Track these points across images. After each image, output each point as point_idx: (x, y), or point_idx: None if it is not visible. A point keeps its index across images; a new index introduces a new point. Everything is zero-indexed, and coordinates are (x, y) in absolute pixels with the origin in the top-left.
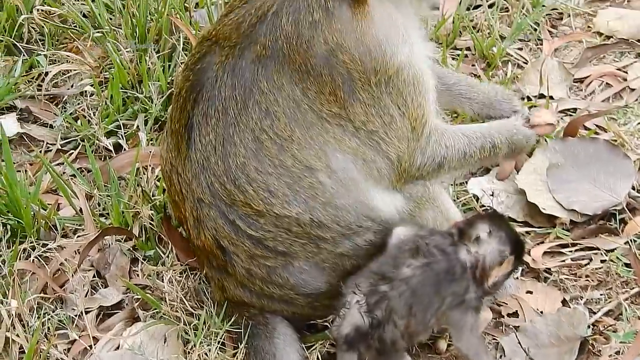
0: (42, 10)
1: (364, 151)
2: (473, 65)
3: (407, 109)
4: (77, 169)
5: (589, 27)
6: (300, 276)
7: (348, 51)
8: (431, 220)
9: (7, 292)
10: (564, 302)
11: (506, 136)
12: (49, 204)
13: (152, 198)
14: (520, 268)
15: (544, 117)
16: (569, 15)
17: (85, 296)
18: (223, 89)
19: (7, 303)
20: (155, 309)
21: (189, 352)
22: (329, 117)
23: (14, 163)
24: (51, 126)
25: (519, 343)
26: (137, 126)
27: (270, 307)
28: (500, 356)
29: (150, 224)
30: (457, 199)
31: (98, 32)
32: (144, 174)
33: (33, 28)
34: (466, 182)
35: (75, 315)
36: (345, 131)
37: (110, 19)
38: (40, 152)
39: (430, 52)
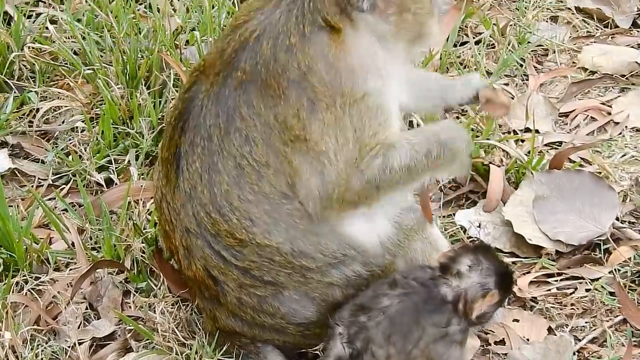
0: (32, 48)
1: (304, 172)
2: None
3: (362, 135)
4: (69, 203)
5: (573, 62)
6: (291, 305)
7: (318, 74)
8: (419, 252)
9: (1, 324)
10: (550, 330)
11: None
12: (41, 238)
13: (144, 231)
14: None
15: (499, 97)
16: (554, 52)
17: (78, 328)
18: (208, 116)
19: (0, 335)
20: (148, 339)
21: None
22: (290, 142)
23: (6, 198)
24: (42, 161)
25: None
26: (129, 161)
27: (262, 336)
28: None
29: (142, 256)
30: (445, 230)
31: (89, 69)
32: (135, 207)
33: (24, 65)
34: (454, 214)
35: (69, 347)
36: (297, 152)
37: (101, 56)
38: (32, 187)
39: (406, 98)
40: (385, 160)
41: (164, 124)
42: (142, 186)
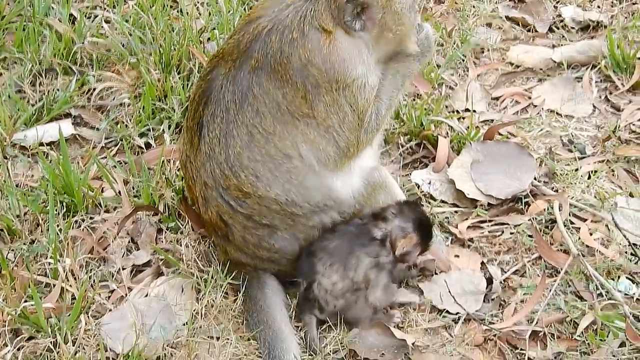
0: (91, 41)
1: (320, 141)
2: (415, 86)
3: (357, 107)
4: (117, 161)
5: (503, 58)
6: (283, 243)
7: (317, 66)
8: (381, 202)
9: (63, 253)
10: (482, 264)
11: (406, 77)
12: (95, 187)
13: (173, 183)
14: (432, 242)
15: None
16: (489, 50)
17: (122, 257)
18: (226, 94)
19: (62, 261)
20: (175, 266)
21: (200, 299)
22: (299, 117)
23: (70, 157)
24: (97, 129)
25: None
26: (163, 129)
27: (262, 266)
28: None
29: (172, 202)
30: (403, 185)
31: (134, 58)
32: (167, 165)
33: (84, 55)
34: (410, 174)
35: (115, 271)
36: (309, 126)
37: (143, 48)
38: (89, 148)
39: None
40: (376, 111)
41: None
42: (172, 149)
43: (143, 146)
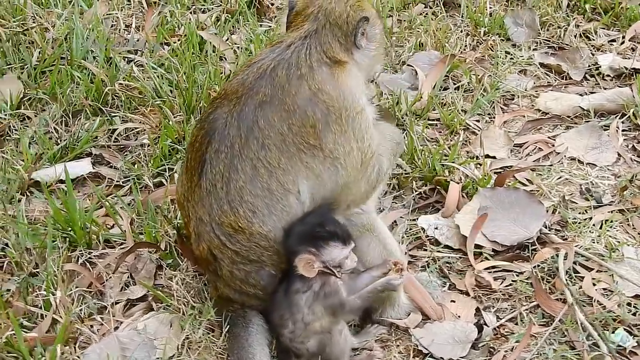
0: (122, 84)
1: (322, 174)
2: (440, 131)
3: (362, 144)
4: (132, 199)
5: (532, 105)
6: (269, 279)
7: (327, 93)
8: (369, 247)
9: (57, 285)
10: (478, 310)
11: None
12: (100, 224)
13: (173, 221)
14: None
15: None
16: (518, 97)
17: (120, 291)
18: (231, 130)
19: (54, 293)
20: (164, 302)
21: (186, 334)
22: (305, 149)
23: (85, 194)
24: (116, 168)
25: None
26: (176, 170)
27: (249, 302)
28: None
29: (172, 241)
30: (410, 229)
31: (158, 101)
32: (173, 205)
33: (115, 97)
34: (417, 219)
35: (109, 305)
36: (315, 159)
37: (170, 91)
38: (104, 187)
39: (372, 114)
40: (379, 165)
41: None
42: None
43: (152, 186)
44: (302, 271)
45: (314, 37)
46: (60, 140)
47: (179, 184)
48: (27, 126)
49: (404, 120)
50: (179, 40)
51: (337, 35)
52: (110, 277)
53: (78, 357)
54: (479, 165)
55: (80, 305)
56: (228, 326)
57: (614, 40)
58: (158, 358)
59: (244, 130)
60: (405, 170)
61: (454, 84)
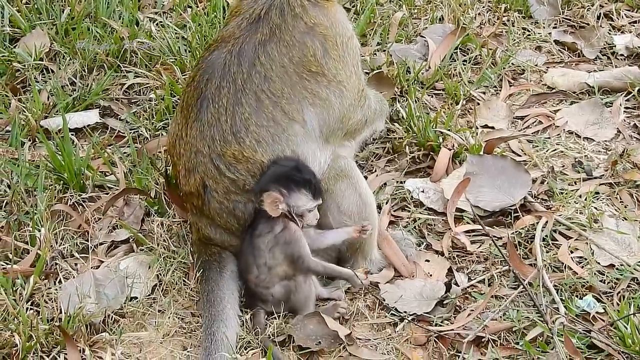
0: (139, 41)
1: (329, 98)
2: (444, 101)
3: (357, 69)
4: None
5: (540, 80)
6: (253, 215)
7: (322, 24)
8: (345, 193)
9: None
10: (450, 270)
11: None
12: (101, 170)
13: (162, 169)
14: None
15: None
16: (528, 72)
17: (107, 233)
18: (232, 67)
19: (38, 231)
20: (145, 245)
21: (161, 276)
22: (308, 76)
23: (89, 143)
24: (122, 120)
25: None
26: None
27: (229, 242)
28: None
29: (160, 190)
30: (398, 191)
31: (171, 58)
32: (166, 154)
33: (134, 53)
34: (404, 182)
35: (93, 245)
36: (320, 84)
37: (186, 50)
38: (110, 137)
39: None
40: (368, 101)
41: None
42: None
43: (150, 137)
44: (267, 207)
45: None
46: (75, 93)
47: (172, 124)
48: (50, 79)
49: (405, 87)
50: (203, 3)
51: None
52: (99, 219)
53: (55, 290)
54: (475, 134)
55: (64, 244)
56: (202, 270)
57: (635, 22)
58: (137, 297)
59: (246, 66)
60: (399, 136)
61: (464, 56)
